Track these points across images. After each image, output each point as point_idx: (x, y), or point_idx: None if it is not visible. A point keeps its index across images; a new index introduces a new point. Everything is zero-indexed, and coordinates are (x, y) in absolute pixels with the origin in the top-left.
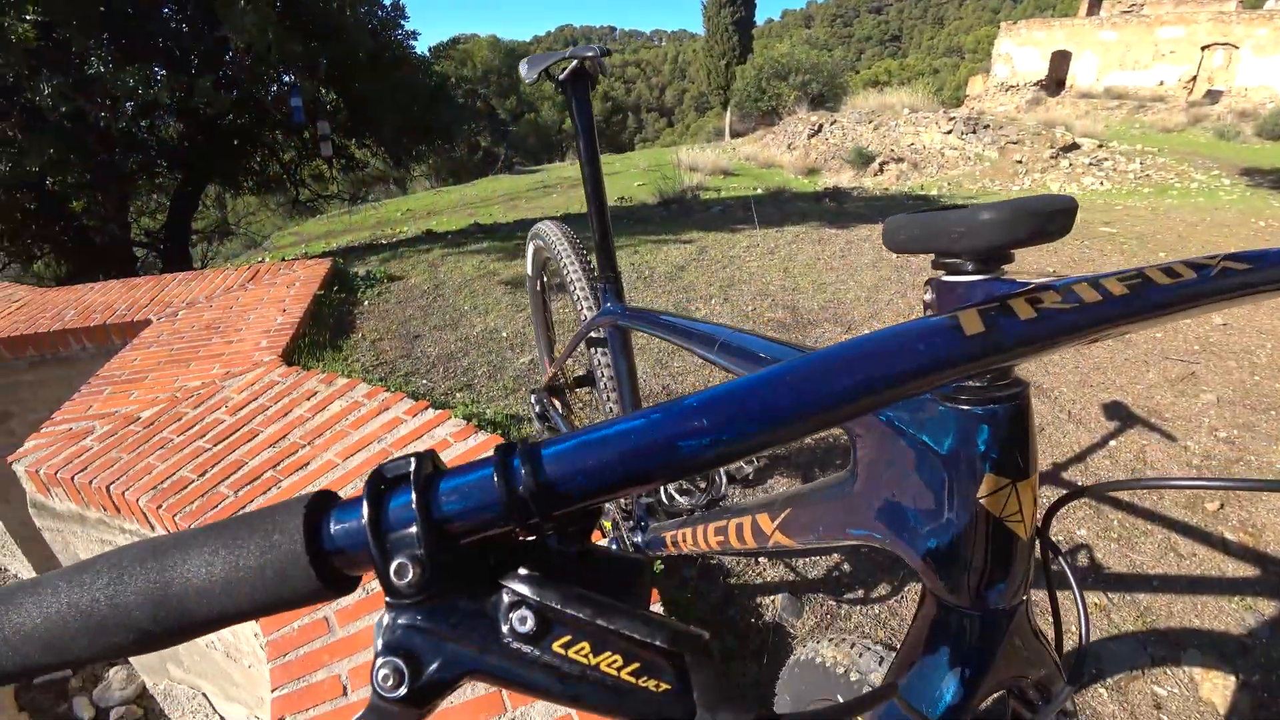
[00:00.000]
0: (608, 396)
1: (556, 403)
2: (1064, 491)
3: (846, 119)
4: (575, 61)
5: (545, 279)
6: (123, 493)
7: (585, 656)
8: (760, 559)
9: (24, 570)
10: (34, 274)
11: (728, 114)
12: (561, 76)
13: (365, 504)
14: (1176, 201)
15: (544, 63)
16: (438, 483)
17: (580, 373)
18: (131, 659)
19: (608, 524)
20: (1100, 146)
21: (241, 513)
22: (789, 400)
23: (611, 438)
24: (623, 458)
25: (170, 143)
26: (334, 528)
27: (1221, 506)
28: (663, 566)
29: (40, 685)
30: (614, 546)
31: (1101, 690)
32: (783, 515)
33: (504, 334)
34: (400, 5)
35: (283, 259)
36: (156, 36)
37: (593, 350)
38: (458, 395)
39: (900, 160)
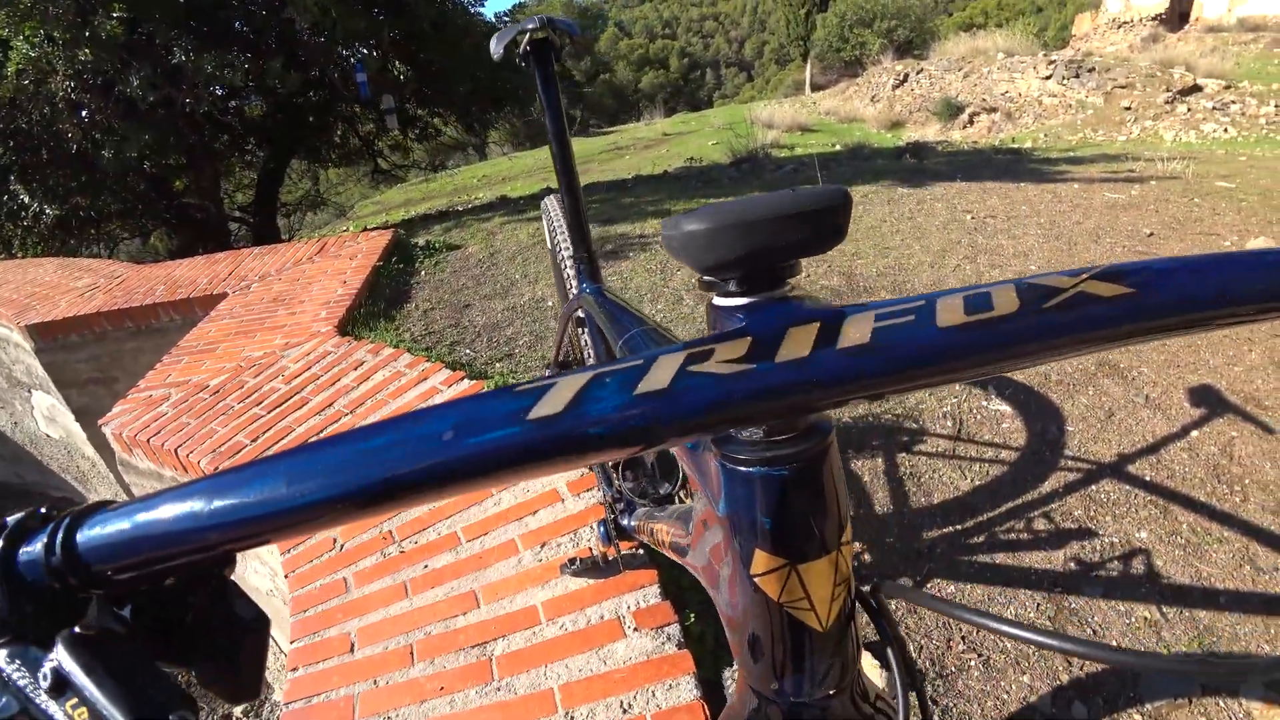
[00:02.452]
0: None
1: None
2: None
3: (934, 67)
4: (527, 36)
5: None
6: (188, 455)
7: None
8: None
9: None
10: (151, 247)
11: (808, 66)
12: (519, 51)
13: None
14: None
15: (507, 38)
16: (27, 537)
17: None
18: None
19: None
20: (1227, 88)
21: None
22: (298, 492)
23: (136, 518)
24: (139, 538)
25: (254, 121)
26: None
27: None
28: None
29: None
30: (600, 529)
31: (1137, 718)
32: (673, 530)
33: (549, 303)
34: None
35: (365, 228)
36: (232, 22)
37: (580, 331)
38: (497, 365)
39: (993, 110)
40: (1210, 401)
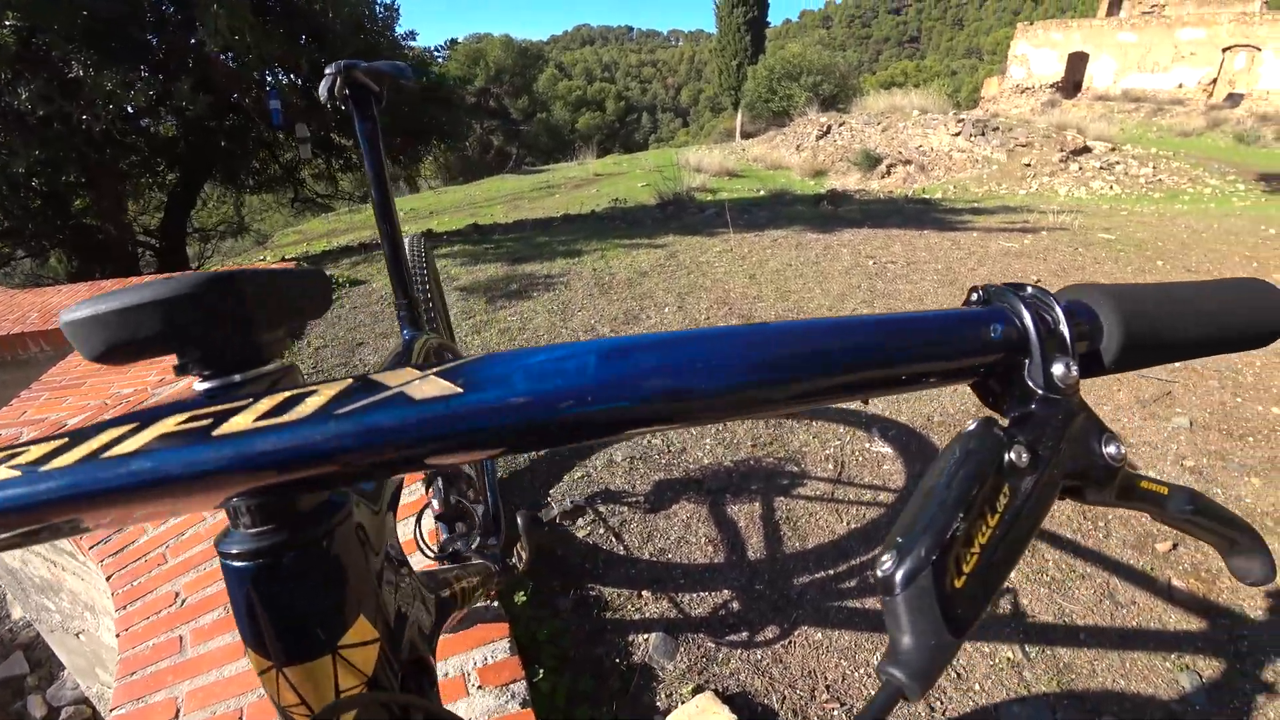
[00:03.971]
0: None
1: None
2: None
3: (856, 120)
4: (339, 78)
5: None
6: None
7: None
8: (643, 593)
9: None
10: (50, 269)
11: (739, 115)
12: (339, 93)
13: None
14: (1186, 207)
15: (328, 83)
16: None
17: None
18: (67, 665)
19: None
20: (1113, 150)
21: None
22: None
23: None
24: None
25: (163, 142)
26: None
27: (1175, 547)
28: (525, 598)
29: None
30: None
31: None
32: None
33: None
34: (393, 8)
35: (283, 259)
36: (140, 40)
37: None
38: None
39: (908, 163)
40: None
